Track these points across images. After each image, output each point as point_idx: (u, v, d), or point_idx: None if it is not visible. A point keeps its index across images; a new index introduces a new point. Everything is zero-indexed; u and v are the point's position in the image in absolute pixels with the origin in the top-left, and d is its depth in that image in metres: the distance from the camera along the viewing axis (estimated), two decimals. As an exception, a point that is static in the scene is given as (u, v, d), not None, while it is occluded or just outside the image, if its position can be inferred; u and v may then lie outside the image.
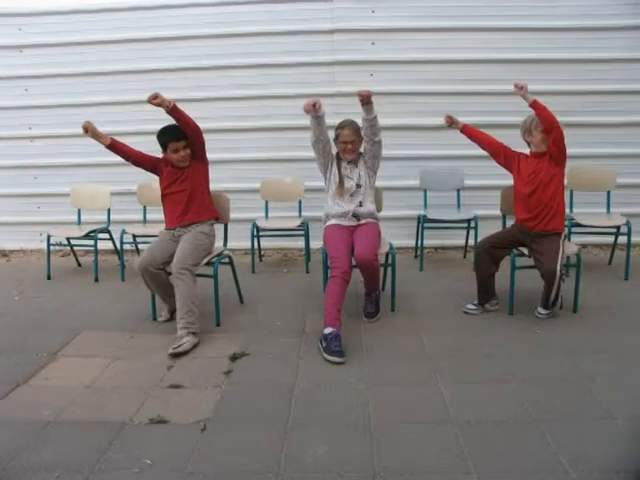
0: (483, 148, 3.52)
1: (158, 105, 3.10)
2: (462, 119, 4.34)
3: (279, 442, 2.13)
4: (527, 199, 3.29)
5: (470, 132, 3.54)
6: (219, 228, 3.59)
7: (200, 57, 4.85)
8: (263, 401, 2.46)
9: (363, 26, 4.81)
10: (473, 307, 3.48)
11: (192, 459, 2.04)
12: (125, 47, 4.91)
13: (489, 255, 3.37)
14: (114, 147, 3.35)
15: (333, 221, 3.40)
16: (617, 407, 2.31)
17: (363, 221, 3.39)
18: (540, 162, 3.27)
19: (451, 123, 3.54)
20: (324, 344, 2.90)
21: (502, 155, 3.44)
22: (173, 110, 3.16)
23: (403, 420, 2.28)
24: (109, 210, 4.56)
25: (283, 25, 4.82)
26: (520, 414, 2.30)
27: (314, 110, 3.22)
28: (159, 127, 3.33)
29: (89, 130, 3.30)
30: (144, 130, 4.69)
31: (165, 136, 3.29)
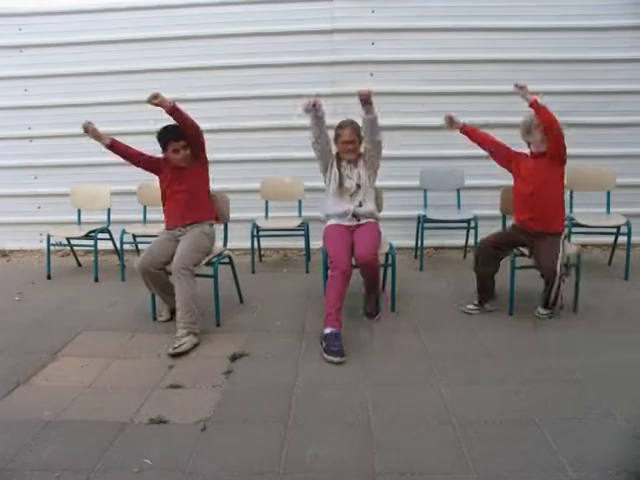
0: (483, 148, 3.53)
1: (158, 105, 3.08)
2: (462, 119, 4.32)
3: (279, 442, 2.13)
4: (527, 199, 3.29)
5: (470, 132, 3.54)
6: (219, 228, 3.60)
7: (200, 57, 4.85)
8: (263, 401, 2.46)
9: (363, 26, 4.81)
10: (473, 307, 3.48)
11: (192, 459, 2.04)
12: (125, 47, 4.90)
13: (490, 254, 3.37)
14: (114, 147, 3.35)
15: (333, 221, 3.40)
16: (617, 407, 2.31)
17: (363, 221, 3.38)
18: (540, 162, 3.27)
19: (451, 123, 3.53)
20: (324, 344, 2.90)
21: (502, 155, 3.45)
22: (173, 110, 3.14)
23: (403, 420, 2.28)
24: (109, 210, 4.56)
25: (283, 25, 4.82)
26: (520, 414, 2.30)
27: (314, 109, 3.22)
28: (159, 127, 3.32)
29: (89, 130, 3.30)
30: (144, 130, 4.70)
31: (165, 136, 3.28)
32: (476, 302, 3.48)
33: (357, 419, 2.29)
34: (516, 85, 3.23)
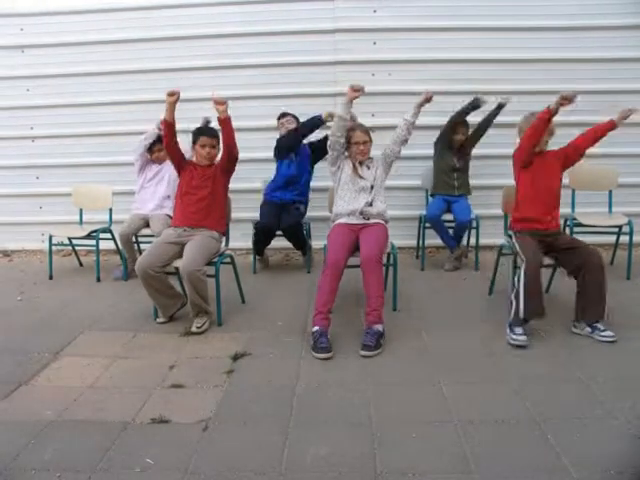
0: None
1: (218, 109, 3.24)
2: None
3: (281, 442, 2.13)
4: (548, 195, 3.24)
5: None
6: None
7: (201, 57, 4.85)
8: (265, 401, 2.46)
9: (365, 26, 4.81)
10: (522, 337, 2.96)
11: (194, 459, 2.04)
12: (126, 47, 4.91)
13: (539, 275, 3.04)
14: (171, 126, 3.33)
15: (342, 219, 3.39)
16: (619, 407, 2.31)
17: (372, 221, 3.36)
18: (556, 159, 3.27)
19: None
20: (311, 342, 2.92)
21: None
22: (225, 122, 3.28)
23: (405, 420, 2.28)
24: (111, 210, 4.56)
25: (284, 25, 4.81)
26: (522, 414, 2.30)
27: (359, 93, 3.20)
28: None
29: (175, 97, 3.27)
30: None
31: (201, 130, 3.43)
32: (521, 331, 2.98)
33: (359, 419, 2.29)
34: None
